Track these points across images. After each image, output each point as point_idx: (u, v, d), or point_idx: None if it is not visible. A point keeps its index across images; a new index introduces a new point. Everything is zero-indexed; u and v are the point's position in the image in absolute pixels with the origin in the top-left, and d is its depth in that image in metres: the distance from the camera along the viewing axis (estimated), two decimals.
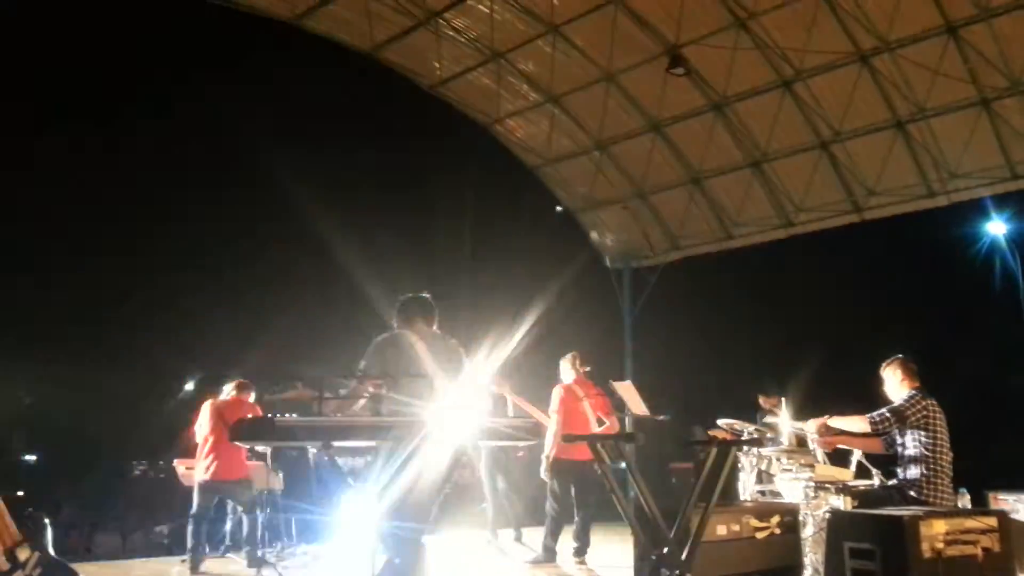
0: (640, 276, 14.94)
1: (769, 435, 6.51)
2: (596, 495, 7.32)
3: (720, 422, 6.79)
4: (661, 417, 7.51)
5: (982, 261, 11.93)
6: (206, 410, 7.51)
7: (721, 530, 4.69)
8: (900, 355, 5.64)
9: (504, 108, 13.59)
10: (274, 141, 11.49)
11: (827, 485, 5.56)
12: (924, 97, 10.76)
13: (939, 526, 4.12)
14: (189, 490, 7.59)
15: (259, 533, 7.10)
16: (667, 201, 14.23)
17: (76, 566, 4.93)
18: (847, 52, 10.72)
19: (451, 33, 12.37)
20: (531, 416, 7.44)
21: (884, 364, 5.66)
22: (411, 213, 12.65)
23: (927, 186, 11.71)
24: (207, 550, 7.44)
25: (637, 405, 7.49)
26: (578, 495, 7.37)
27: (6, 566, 4.07)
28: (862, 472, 5.78)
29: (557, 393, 7.44)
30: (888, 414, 5.33)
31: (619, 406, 7.65)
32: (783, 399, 6.65)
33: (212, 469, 7.23)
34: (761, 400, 9.24)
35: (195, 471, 7.48)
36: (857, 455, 5.85)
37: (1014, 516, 4.90)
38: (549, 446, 7.28)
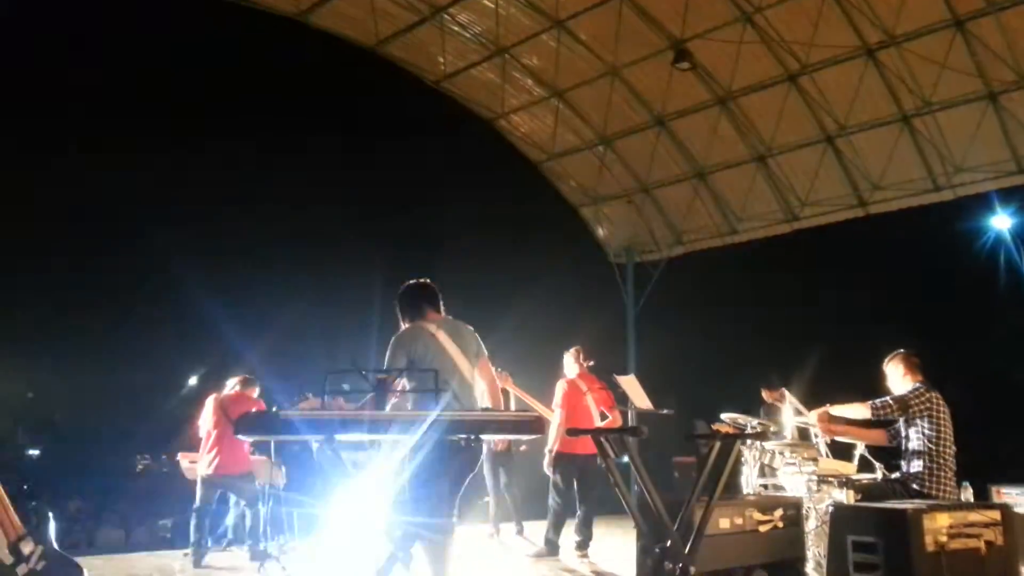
0: (644, 270, 14.92)
1: (772, 429, 6.50)
2: (599, 489, 7.32)
3: (723, 416, 6.78)
4: (664, 411, 7.51)
5: (987, 255, 11.88)
6: (209, 405, 7.53)
7: (724, 523, 4.68)
8: (903, 349, 5.62)
9: (508, 103, 13.57)
10: (276, 139, 11.51)
11: (830, 478, 5.55)
12: (930, 91, 10.71)
13: (942, 519, 4.11)
14: (192, 484, 7.61)
15: (262, 527, 7.10)
16: (671, 195, 14.20)
17: (79, 559, 4.95)
18: (853, 46, 10.67)
19: (455, 28, 12.35)
20: (534, 410, 7.44)
21: (887, 359, 5.64)
22: (415, 209, 12.65)
23: (932, 180, 11.66)
24: (210, 544, 7.46)
25: (640, 399, 7.49)
26: (581, 489, 7.37)
27: (10, 559, 4.07)
28: (865, 465, 5.77)
29: (561, 387, 7.44)
30: (890, 401, 5.31)
31: (622, 400, 7.64)
32: (786, 393, 6.63)
33: (215, 463, 7.24)
34: (764, 394, 9.22)
35: (198, 465, 7.50)
36: (860, 449, 5.84)
37: (1017, 510, 4.88)
38: (552, 440, 7.27)
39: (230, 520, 8.02)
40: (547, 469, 7.43)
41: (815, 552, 5.33)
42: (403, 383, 4.37)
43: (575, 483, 7.36)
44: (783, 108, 11.82)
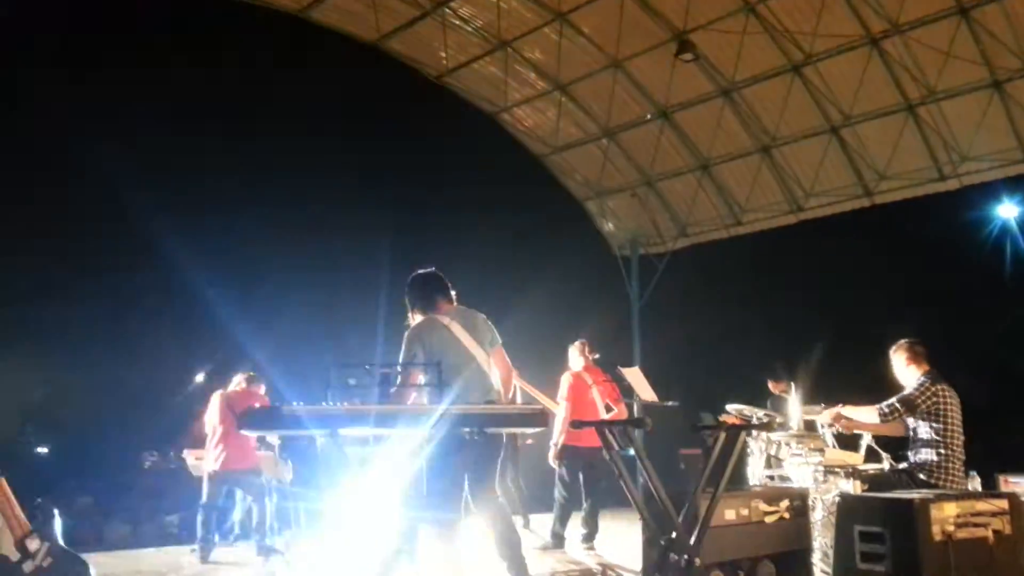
0: (648, 263, 14.89)
1: (778, 420, 6.49)
2: (605, 481, 7.31)
3: (729, 407, 6.76)
4: (669, 403, 7.50)
5: (993, 245, 11.83)
6: (215, 401, 7.55)
7: (730, 515, 4.66)
8: (907, 339, 5.59)
9: (511, 97, 13.55)
10: (279, 135, 11.49)
11: (836, 469, 5.53)
12: (935, 80, 10.66)
13: (950, 509, 4.09)
14: (199, 480, 7.63)
15: (268, 522, 7.12)
16: (675, 188, 14.17)
17: (87, 556, 4.96)
18: (857, 35, 10.62)
19: (457, 22, 12.33)
20: (539, 403, 7.44)
21: (892, 349, 5.62)
22: (418, 205, 12.63)
23: (938, 169, 11.61)
24: (217, 539, 7.48)
25: (645, 391, 7.48)
26: (587, 482, 7.37)
27: (16, 556, 4.09)
28: (872, 456, 5.75)
29: (566, 380, 7.43)
30: (897, 404, 5.27)
31: (627, 392, 7.63)
32: (792, 384, 6.61)
33: (222, 459, 7.26)
34: (770, 385, 9.21)
35: (205, 461, 7.52)
36: (867, 439, 5.82)
37: None
38: (558, 433, 7.27)
39: (237, 516, 8.04)
40: (553, 462, 7.42)
41: (822, 543, 5.31)
42: (420, 377, 4.33)
43: (581, 476, 7.35)
44: (787, 99, 11.78)
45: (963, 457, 5.26)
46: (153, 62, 10.92)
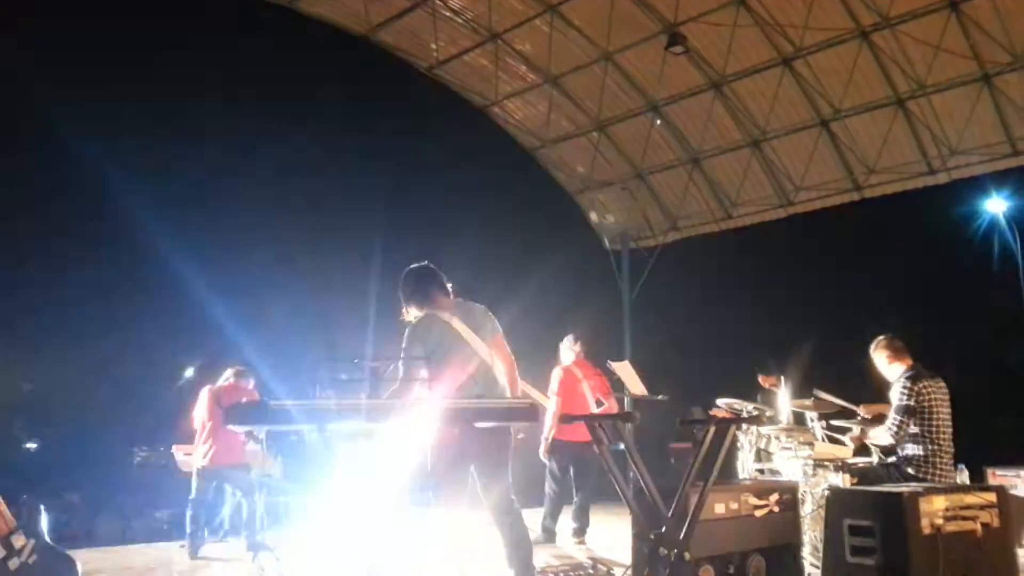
0: (639, 257, 14.89)
1: (768, 413, 6.50)
2: (595, 476, 7.31)
3: (719, 401, 6.77)
4: (659, 397, 7.50)
5: (982, 239, 11.87)
6: (204, 396, 7.51)
7: (719, 508, 4.66)
8: (884, 336, 5.57)
9: (502, 89, 13.51)
10: (268, 128, 11.42)
11: (826, 463, 5.54)
12: (925, 73, 10.68)
13: (938, 502, 4.10)
14: (188, 476, 7.60)
15: (258, 517, 7.09)
16: (666, 181, 14.17)
17: (76, 552, 4.93)
18: (847, 28, 10.63)
19: (448, 14, 12.28)
20: (529, 397, 7.42)
21: (872, 347, 5.59)
22: (408, 198, 12.58)
23: (927, 163, 11.65)
24: (206, 535, 7.45)
25: (635, 385, 7.47)
26: (577, 476, 7.36)
27: (1, 553, 4.05)
28: (861, 449, 5.76)
29: (556, 375, 7.42)
30: (899, 418, 5.23)
31: (617, 387, 7.63)
32: (782, 378, 6.63)
33: (210, 454, 7.23)
34: (760, 379, 9.21)
35: (193, 457, 7.48)
36: (856, 433, 5.82)
37: (1013, 491, 4.87)
38: (548, 427, 7.26)
39: (226, 511, 8.00)
40: (543, 456, 7.41)
41: (811, 536, 5.32)
42: (423, 373, 4.26)
43: (571, 470, 7.35)
44: (777, 92, 11.78)
45: (951, 451, 5.27)
46: (140, 56, 10.84)
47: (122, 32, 10.82)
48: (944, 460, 5.19)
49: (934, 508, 4.07)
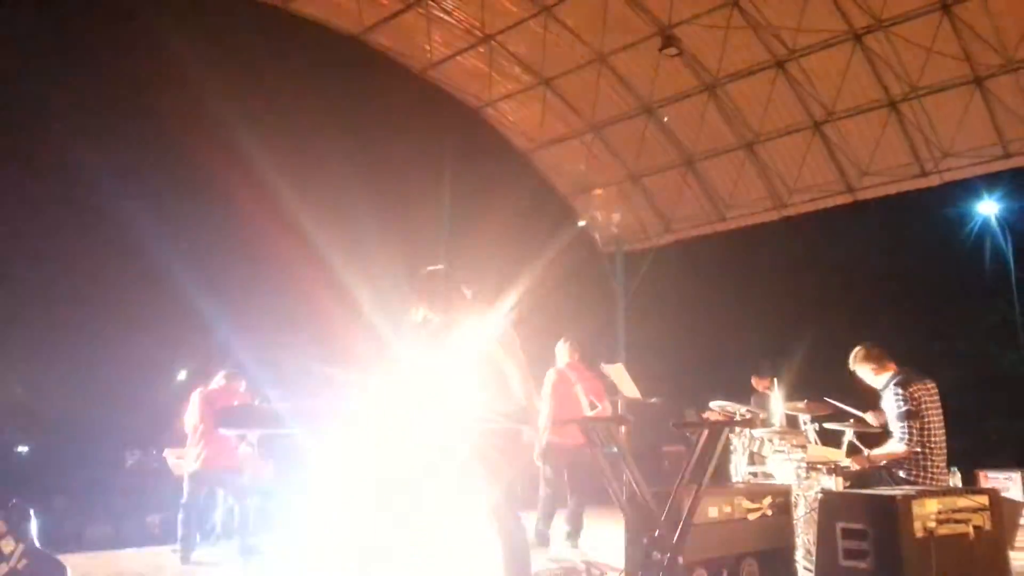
0: (633, 259, 14.90)
1: (761, 416, 6.49)
2: (589, 479, 7.29)
3: (712, 404, 6.76)
4: (653, 400, 7.49)
5: (973, 241, 11.92)
6: (195, 399, 7.46)
7: (713, 512, 4.65)
8: (860, 347, 5.50)
9: (496, 91, 13.50)
10: (260, 130, 11.39)
11: (819, 466, 5.54)
12: (917, 75, 10.70)
13: (931, 505, 4.10)
14: (180, 479, 7.55)
15: (250, 521, 7.05)
16: (660, 184, 14.18)
17: (67, 557, 4.90)
18: (840, 30, 10.65)
19: (441, 15, 12.26)
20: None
21: (852, 361, 5.50)
22: (401, 200, 12.56)
23: (920, 165, 11.67)
24: (198, 539, 7.40)
25: (628, 388, 7.46)
26: (571, 479, 7.34)
27: None
28: (854, 452, 5.76)
29: (549, 378, 7.39)
30: (905, 424, 5.16)
31: (611, 390, 7.61)
32: (775, 380, 6.62)
33: (202, 458, 7.18)
34: (754, 381, 9.22)
35: (185, 460, 7.44)
36: (849, 435, 5.83)
37: (1004, 494, 4.87)
38: (541, 430, 7.23)
39: (219, 515, 7.97)
40: (537, 460, 7.39)
41: (805, 540, 5.32)
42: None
43: (565, 473, 7.33)
44: (770, 94, 11.80)
45: (944, 453, 5.24)
46: (133, 57, 10.80)
47: (114, 33, 10.79)
48: (936, 463, 5.17)
49: (927, 511, 4.07)
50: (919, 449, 5.13)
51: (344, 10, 12.12)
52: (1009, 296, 10.94)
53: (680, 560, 4.05)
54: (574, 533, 7.25)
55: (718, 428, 4.58)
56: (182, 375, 11.54)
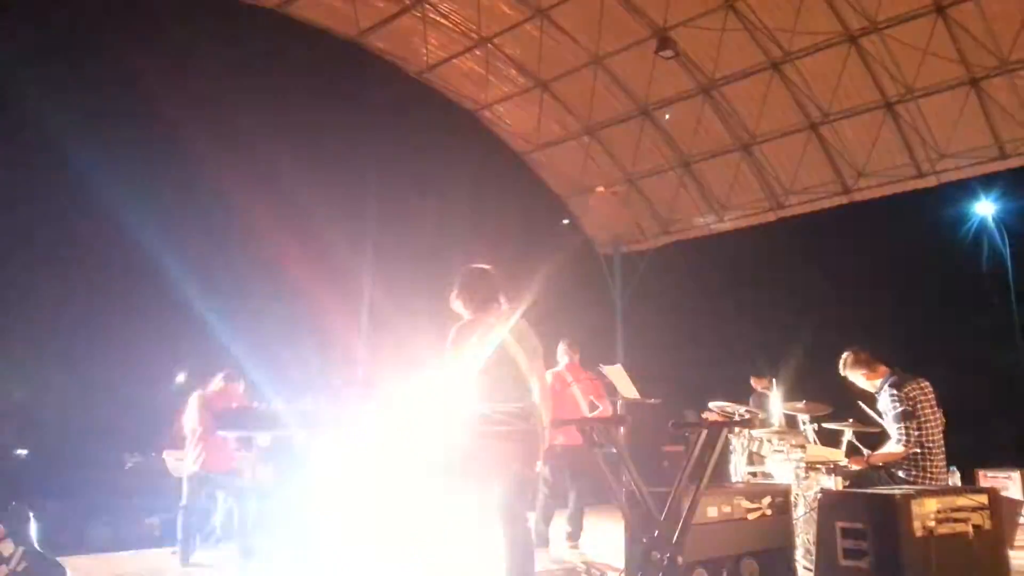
0: (630, 261, 14.92)
1: (760, 416, 6.51)
2: (589, 480, 7.30)
3: (711, 404, 6.77)
4: (652, 400, 7.49)
5: (971, 241, 11.95)
6: (194, 402, 7.45)
7: (712, 512, 4.66)
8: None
9: (492, 94, 13.51)
10: (259, 132, 11.39)
11: (818, 465, 5.55)
12: (913, 77, 10.74)
13: (930, 504, 4.11)
14: (179, 482, 7.54)
15: (249, 524, 7.05)
16: (657, 185, 14.20)
17: (66, 559, 4.89)
18: (836, 32, 10.69)
19: (437, 18, 12.27)
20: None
21: (841, 367, 5.51)
22: (399, 203, 12.57)
23: (916, 166, 11.71)
24: (198, 541, 7.39)
25: (628, 389, 7.47)
26: (570, 480, 7.34)
27: None
28: (853, 452, 5.77)
29: (546, 379, 7.39)
30: (902, 425, 5.17)
31: (611, 390, 7.62)
32: (774, 380, 6.63)
33: (201, 460, 7.17)
34: (753, 381, 9.24)
35: (184, 463, 7.42)
36: (848, 435, 5.84)
37: (1004, 493, 4.88)
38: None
39: (218, 517, 7.95)
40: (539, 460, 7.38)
41: (804, 539, 5.33)
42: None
43: (564, 474, 7.33)
44: (766, 96, 11.83)
45: (943, 452, 5.24)
46: (130, 61, 10.80)
47: (111, 37, 10.79)
48: (935, 463, 5.17)
49: (926, 510, 4.08)
50: (917, 449, 5.14)
51: (341, 14, 12.13)
52: (1006, 296, 10.97)
53: (680, 560, 4.05)
54: (574, 534, 7.26)
55: (717, 428, 4.59)
56: (181, 377, 11.54)
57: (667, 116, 12.79)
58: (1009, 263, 11.84)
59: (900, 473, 5.17)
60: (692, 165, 13.48)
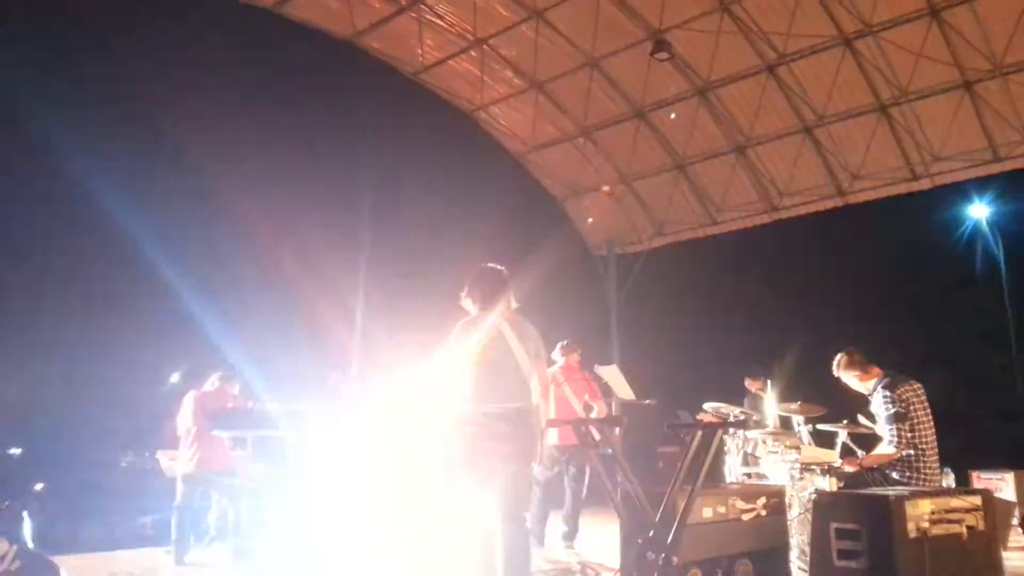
0: (625, 262, 14.93)
1: (755, 417, 6.52)
2: (584, 480, 7.31)
3: (706, 406, 6.79)
4: (647, 401, 7.51)
5: (965, 244, 12.00)
6: (188, 401, 7.45)
7: (707, 512, 4.68)
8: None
9: (488, 95, 13.52)
10: (253, 133, 11.38)
11: (812, 466, 5.56)
12: (907, 80, 10.78)
13: (924, 506, 4.12)
14: (173, 481, 7.54)
15: (244, 523, 7.03)
16: (651, 187, 14.22)
17: (60, 558, 4.88)
18: (830, 35, 10.72)
19: (433, 19, 12.28)
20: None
21: (835, 368, 5.53)
22: (394, 204, 12.57)
23: (910, 169, 11.75)
24: (192, 541, 7.38)
25: (622, 390, 7.48)
26: (566, 480, 7.35)
27: None
28: (847, 453, 5.78)
29: None
30: (894, 427, 5.18)
31: (606, 391, 7.63)
32: (768, 381, 6.65)
33: (195, 460, 7.17)
34: (748, 383, 9.26)
35: (178, 462, 7.41)
36: (842, 436, 5.85)
37: (997, 494, 4.90)
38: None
39: (212, 517, 7.94)
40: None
41: (799, 540, 5.34)
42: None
43: (560, 474, 7.34)
44: (761, 98, 11.86)
45: (936, 454, 5.25)
46: (124, 61, 10.79)
47: (106, 37, 10.76)
48: (928, 464, 5.18)
49: (920, 511, 4.09)
50: (910, 451, 5.16)
51: (336, 14, 12.12)
52: (1001, 296, 11.01)
53: (675, 560, 4.07)
54: (570, 534, 7.26)
55: (712, 429, 4.61)
56: (176, 377, 11.52)
57: (672, 115, 12.74)
58: (1003, 265, 11.88)
59: (894, 474, 5.18)
60: (687, 167, 13.51)
